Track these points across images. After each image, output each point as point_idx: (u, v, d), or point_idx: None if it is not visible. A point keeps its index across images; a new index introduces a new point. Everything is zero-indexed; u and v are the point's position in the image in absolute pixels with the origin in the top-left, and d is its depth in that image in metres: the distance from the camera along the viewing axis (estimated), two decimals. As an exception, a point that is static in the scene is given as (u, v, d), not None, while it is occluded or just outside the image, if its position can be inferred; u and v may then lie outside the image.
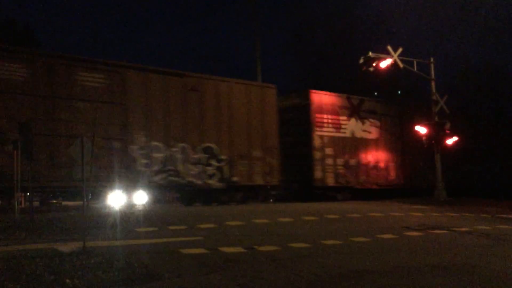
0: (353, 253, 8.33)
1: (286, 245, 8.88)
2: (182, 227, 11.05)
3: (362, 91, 26.72)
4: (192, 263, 7.20)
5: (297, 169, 21.13)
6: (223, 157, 18.26)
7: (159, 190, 18.21)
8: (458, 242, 10.08)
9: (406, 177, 24.77)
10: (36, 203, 17.62)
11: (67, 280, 5.97)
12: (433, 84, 23.29)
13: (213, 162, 17.96)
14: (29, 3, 69.54)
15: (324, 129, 21.55)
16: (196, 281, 6.27)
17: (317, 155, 21.15)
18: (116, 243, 8.78)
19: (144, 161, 16.46)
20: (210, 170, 17.87)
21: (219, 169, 18.14)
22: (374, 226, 11.96)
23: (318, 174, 21.11)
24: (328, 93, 22.47)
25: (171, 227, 10.93)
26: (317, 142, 21.19)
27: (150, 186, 16.71)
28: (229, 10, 76.91)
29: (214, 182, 17.94)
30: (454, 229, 11.84)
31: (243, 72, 54.53)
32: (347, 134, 22.38)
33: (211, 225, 11.34)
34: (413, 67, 22.74)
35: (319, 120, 21.40)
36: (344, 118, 22.37)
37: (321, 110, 21.53)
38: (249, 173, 18.86)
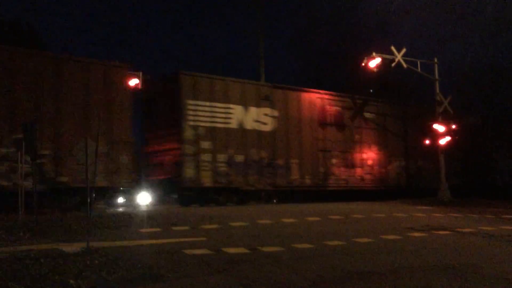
0: (357, 254, 8.32)
1: (290, 245, 8.87)
2: (186, 227, 11.07)
3: (365, 91, 26.71)
4: (196, 264, 7.21)
5: (166, 167, 18.01)
6: (45, 152, 14.71)
7: None
8: (462, 243, 10.06)
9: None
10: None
11: (71, 281, 5.98)
12: (437, 84, 23.27)
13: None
14: (33, 4, 69.79)
15: (200, 118, 17.94)
16: (200, 282, 6.28)
17: (189, 149, 17.56)
18: (119, 244, 8.80)
19: None
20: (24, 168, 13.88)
21: (39, 167, 14.59)
22: (378, 227, 11.94)
23: (189, 172, 17.48)
24: (207, 75, 18.83)
25: (174, 228, 10.95)
26: (189, 134, 17.65)
27: None
28: (232, 9, 77.00)
29: (30, 184, 13.67)
30: (458, 229, 11.81)
31: (245, 72, 54.52)
32: (233, 125, 18.74)
33: (215, 226, 11.36)
34: (417, 68, 22.74)
35: (192, 108, 17.86)
36: (231, 106, 18.79)
37: (196, 96, 18.00)
38: None
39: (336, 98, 22.41)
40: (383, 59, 21.94)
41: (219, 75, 19.02)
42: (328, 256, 8.09)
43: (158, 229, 10.70)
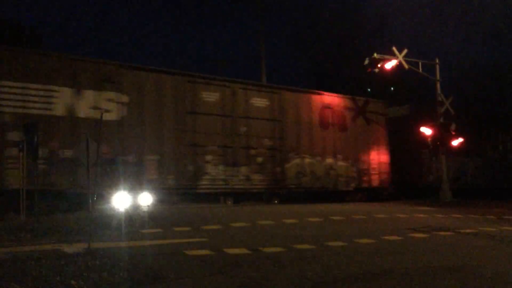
0: (358, 255, 8.32)
1: (291, 246, 8.88)
2: (187, 228, 11.08)
3: (367, 91, 26.72)
4: (197, 265, 7.22)
5: None
6: None
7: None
8: (463, 243, 10.04)
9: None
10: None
11: (72, 282, 6.00)
12: (438, 85, 23.25)
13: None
14: (33, 6, 69.90)
15: (5, 102, 14.26)
16: (201, 282, 6.29)
17: None
18: (121, 244, 8.81)
19: None
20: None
21: None
22: (379, 228, 11.93)
23: None
24: (16, 49, 15.41)
25: (175, 228, 10.97)
26: None
27: None
28: (234, 10, 77.07)
29: None
30: (459, 230, 11.79)
31: (247, 72, 54.48)
32: (59, 112, 14.97)
33: (216, 227, 11.38)
34: (418, 68, 22.72)
35: None
36: (54, 88, 15.02)
37: None
38: None
39: (214, 83, 18.54)
40: (384, 60, 21.93)
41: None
42: (329, 257, 8.08)
43: (159, 230, 10.72)
